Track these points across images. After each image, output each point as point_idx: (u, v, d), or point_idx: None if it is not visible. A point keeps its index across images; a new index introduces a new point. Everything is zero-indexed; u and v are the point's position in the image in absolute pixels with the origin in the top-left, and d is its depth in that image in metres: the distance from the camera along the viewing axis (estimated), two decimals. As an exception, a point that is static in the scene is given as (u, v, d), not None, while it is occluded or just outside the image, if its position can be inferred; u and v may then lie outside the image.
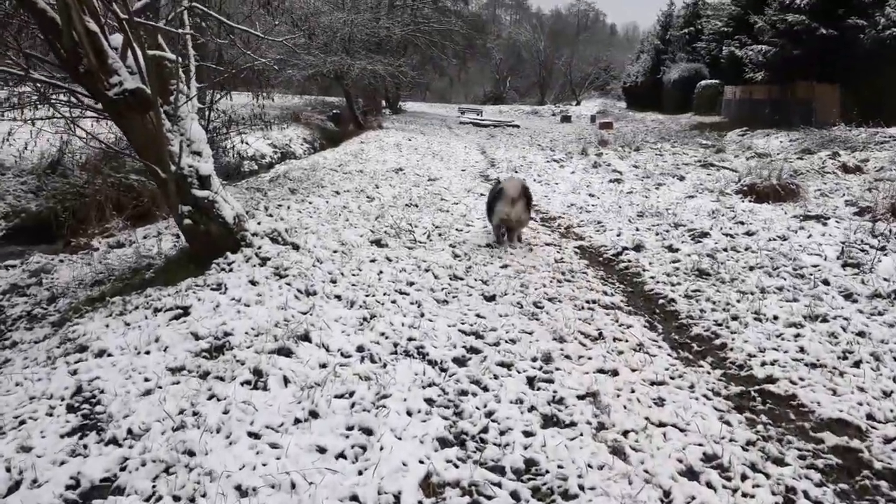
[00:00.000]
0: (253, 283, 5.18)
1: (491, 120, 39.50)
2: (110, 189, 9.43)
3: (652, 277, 6.84)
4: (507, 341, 4.61)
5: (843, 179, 13.92)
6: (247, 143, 18.83)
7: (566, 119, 45.41)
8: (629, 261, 7.53)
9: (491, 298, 5.64)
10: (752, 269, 7.02)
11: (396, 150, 19.15)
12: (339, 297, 5.13)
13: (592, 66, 66.25)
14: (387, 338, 4.44)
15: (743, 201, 11.27)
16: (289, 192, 10.27)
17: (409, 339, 4.40)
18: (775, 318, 5.55)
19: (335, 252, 6.50)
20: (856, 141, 18.87)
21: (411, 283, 5.77)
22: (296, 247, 6.16)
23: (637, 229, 9.03)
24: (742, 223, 9.44)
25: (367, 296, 5.26)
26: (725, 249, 7.83)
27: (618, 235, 8.68)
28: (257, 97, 10.95)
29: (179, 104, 5.61)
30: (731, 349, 5.00)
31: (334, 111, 32.33)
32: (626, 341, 4.89)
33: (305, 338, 4.23)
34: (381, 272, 5.98)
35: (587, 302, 5.69)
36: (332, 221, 8.31)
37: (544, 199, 11.68)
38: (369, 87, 29.61)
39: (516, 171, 15.54)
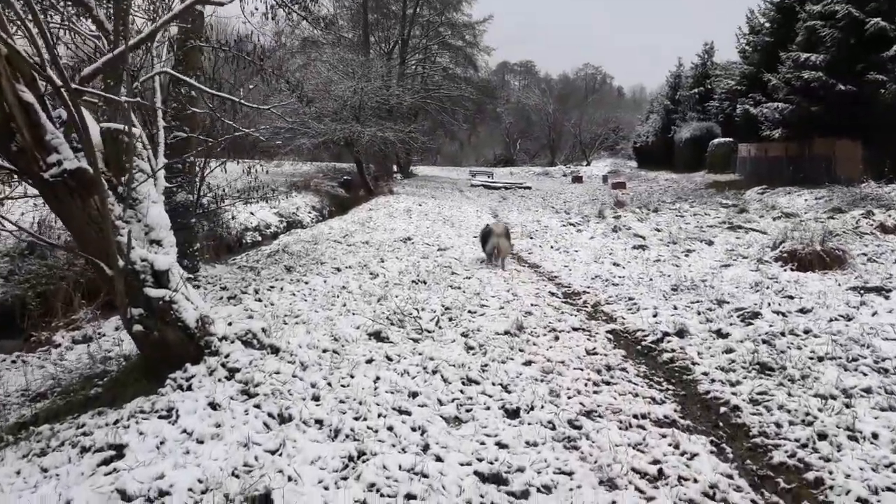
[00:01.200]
0: (213, 406, 4.05)
1: (502, 182, 38.85)
2: (90, 272, 8.44)
3: (705, 374, 5.63)
4: (539, 489, 3.41)
5: (885, 241, 12.73)
6: (251, 213, 18.09)
7: (577, 179, 44.72)
8: (673, 350, 6.33)
9: (514, 414, 4.45)
10: (821, 359, 5.80)
11: (406, 217, 18.23)
12: (320, 423, 3.97)
13: (601, 127, 66.15)
14: (378, 492, 3.24)
15: (785, 270, 10.10)
16: (284, 270, 9.24)
17: (408, 498, 3.20)
18: (875, 436, 4.31)
19: (325, 352, 5.37)
20: (888, 198, 17.72)
21: (414, 395, 4.60)
22: (275, 350, 5.05)
23: (675, 308, 7.85)
24: (791, 297, 8.24)
25: (356, 418, 4.09)
26: (783, 334, 6.62)
27: (654, 316, 7.50)
28: (250, 169, 10.02)
29: (134, 184, 4.61)
30: (831, 487, 3.76)
31: (345, 177, 31.77)
32: (696, 481, 3.66)
33: (266, 500, 3.05)
34: (377, 379, 4.82)
35: (635, 417, 4.48)
36: (328, 307, 7.21)
37: (564, 270, 10.55)
38: (380, 153, 29.07)
39: (531, 237, 14.51)
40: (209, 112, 8.96)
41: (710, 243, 13.32)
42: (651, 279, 9.54)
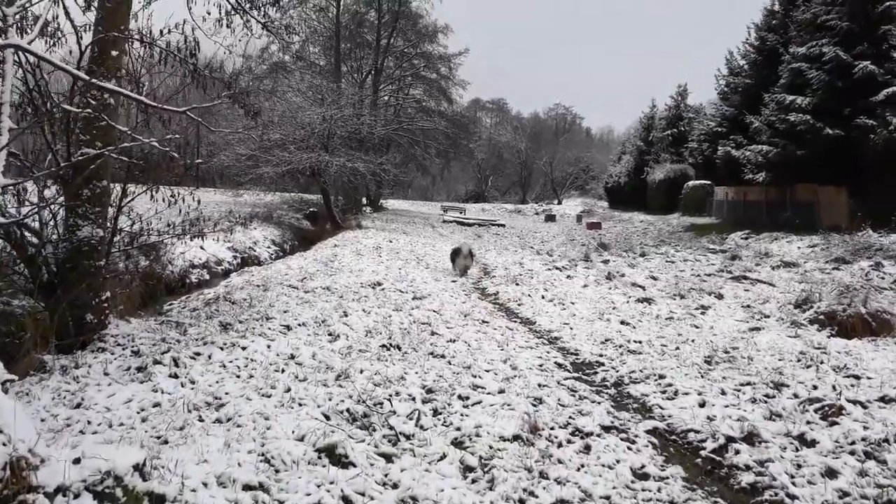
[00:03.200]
0: None
1: (475, 219, 37.20)
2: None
3: (818, 521, 3.74)
4: None
5: (914, 298, 11.19)
6: (201, 248, 15.87)
7: (551, 218, 43.36)
8: (748, 467, 4.45)
9: None
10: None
11: (375, 255, 16.23)
12: None
13: (573, 167, 65.41)
14: None
15: (828, 337, 8.37)
16: (219, 327, 7.14)
17: None
18: None
19: (245, 490, 3.33)
20: (892, 248, 16.36)
21: None
22: (158, 500, 2.99)
23: (723, 392, 5.98)
24: (857, 377, 6.48)
25: None
26: (887, 441, 4.80)
27: (702, 406, 5.62)
28: (174, 200, 7.88)
29: None
30: None
31: (311, 209, 29.65)
32: None
33: None
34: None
35: None
36: (266, 391, 5.17)
37: (565, 330, 8.65)
38: (349, 185, 27.12)
39: (517, 283, 12.63)
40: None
41: (720, 297, 11.62)
42: (676, 347, 7.67)
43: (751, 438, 4.90)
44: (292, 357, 6.15)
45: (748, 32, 30.63)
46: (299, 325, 7.42)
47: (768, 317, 9.88)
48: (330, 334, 7.13)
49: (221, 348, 6.35)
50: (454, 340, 7.38)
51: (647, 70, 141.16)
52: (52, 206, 6.91)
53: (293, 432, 4.19)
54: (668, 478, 4.26)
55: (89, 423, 4.45)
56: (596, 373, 6.75)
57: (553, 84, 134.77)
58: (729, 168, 28.85)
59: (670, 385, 6.23)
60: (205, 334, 6.82)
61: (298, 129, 24.35)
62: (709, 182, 35.10)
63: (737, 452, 4.69)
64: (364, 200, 39.20)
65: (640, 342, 7.98)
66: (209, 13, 10.03)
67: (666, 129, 43.75)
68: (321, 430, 4.23)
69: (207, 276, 14.42)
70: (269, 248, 19.04)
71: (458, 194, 71.41)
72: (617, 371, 6.76)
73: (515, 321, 9.23)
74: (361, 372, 5.84)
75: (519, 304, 10.53)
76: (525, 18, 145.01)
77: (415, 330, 7.73)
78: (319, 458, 3.90)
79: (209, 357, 6.08)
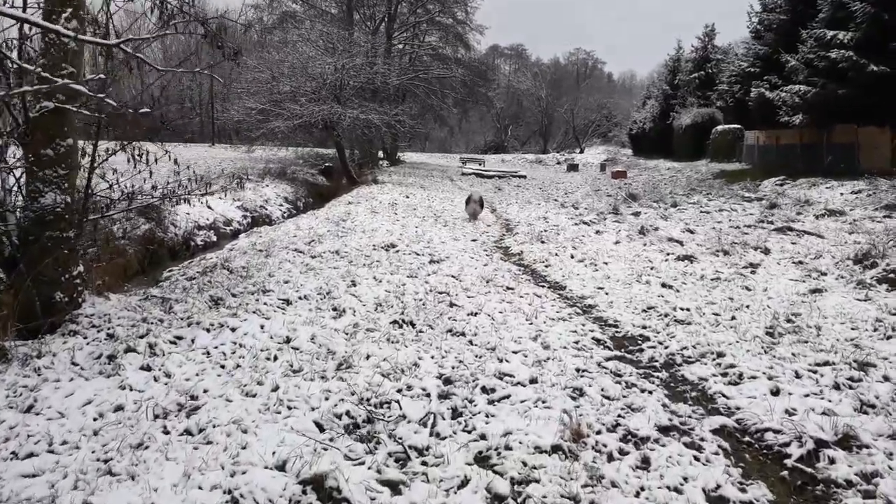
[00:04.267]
0: None
1: (495, 170, 35.84)
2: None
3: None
4: None
5: None
6: (208, 207, 15.00)
7: (573, 168, 41.81)
8: (851, 484, 3.48)
9: None
10: None
11: (391, 212, 15.24)
12: None
13: (595, 114, 63.14)
14: None
15: (902, 297, 7.29)
16: (209, 302, 6.25)
17: None
18: None
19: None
20: (952, 194, 14.98)
21: None
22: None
23: (797, 375, 4.98)
24: (952, 351, 5.43)
25: None
26: None
27: (775, 394, 4.63)
28: (140, 158, 6.77)
29: None
30: None
31: (327, 164, 28.56)
32: None
33: None
34: None
35: None
36: (250, 386, 4.29)
37: (601, 295, 7.64)
38: (364, 138, 25.93)
39: (543, 241, 11.60)
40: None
41: (767, 252, 10.49)
42: (731, 316, 6.63)
43: (846, 441, 3.91)
44: (288, 340, 5.24)
45: (784, -36, 28.32)
46: (300, 298, 6.50)
47: (825, 274, 8.77)
48: (335, 309, 6.20)
49: (208, 330, 5.47)
50: (476, 313, 6.42)
51: (671, 11, 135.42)
52: (15, 171, 5.99)
53: (273, 454, 3.29)
54: (752, 503, 3.31)
55: (29, 437, 3.60)
56: (641, 350, 5.76)
57: (573, 26, 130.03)
58: (762, 111, 27.04)
59: (732, 366, 5.23)
60: (192, 312, 5.94)
61: (309, 80, 23.10)
62: (739, 126, 33.28)
63: (832, 461, 3.72)
64: (381, 154, 37.99)
65: (687, 309, 6.95)
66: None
67: (693, 72, 41.59)
68: (310, 450, 3.32)
69: (215, 238, 13.57)
70: (281, 206, 18.12)
71: (478, 145, 69.65)
72: (666, 347, 5.77)
73: (543, 286, 8.23)
74: (368, 358, 4.92)
75: (546, 266, 9.51)
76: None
77: (431, 301, 6.78)
78: (304, 492, 2.99)
79: (192, 342, 5.20)
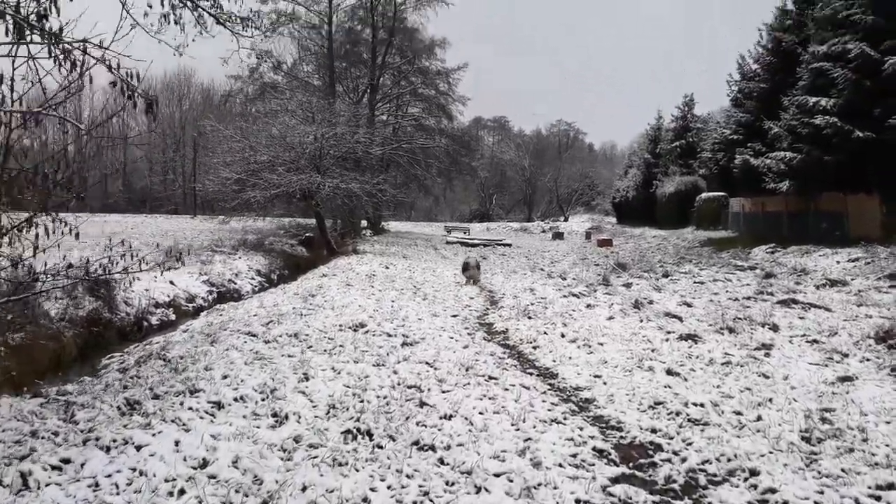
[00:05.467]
0: None
1: (480, 239, 35.09)
2: None
3: None
4: None
5: None
6: (171, 282, 13.84)
7: (558, 236, 41.23)
8: None
9: None
10: None
11: (367, 285, 14.13)
12: None
13: (578, 183, 63.36)
14: None
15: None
16: (123, 408, 5.05)
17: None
18: None
19: None
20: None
21: None
22: None
23: (859, 505, 3.85)
24: None
25: None
26: None
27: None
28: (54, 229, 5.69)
29: None
30: None
31: (308, 234, 27.59)
32: None
33: None
34: None
35: None
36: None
37: (598, 386, 6.49)
38: (345, 207, 25.09)
39: (529, 316, 10.51)
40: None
41: (776, 329, 9.45)
42: (757, 416, 5.50)
43: None
44: (204, 464, 4.04)
45: (759, 35, 28.73)
46: (236, 399, 5.30)
47: (847, 356, 7.73)
48: (275, 415, 5.01)
49: (108, 448, 4.26)
50: (451, 416, 5.24)
51: (648, 85, 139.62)
52: None
53: None
54: None
55: None
56: (654, 464, 4.60)
57: (554, 101, 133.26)
58: (747, 177, 26.71)
59: (772, 490, 4.09)
60: (97, 422, 4.73)
61: (288, 149, 22.41)
62: (723, 193, 33.00)
63: None
64: (364, 223, 37.21)
65: (701, 405, 5.82)
66: (150, 6, 8.05)
67: (674, 141, 41.80)
68: None
69: (173, 317, 12.33)
70: (252, 279, 16.96)
71: (462, 214, 69.42)
72: (684, 460, 4.62)
73: (531, 374, 7.09)
74: (304, 491, 3.73)
75: (534, 347, 8.38)
76: (521, 33, 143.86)
77: (397, 399, 5.60)
78: None
79: (81, 467, 3.99)
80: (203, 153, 34.87)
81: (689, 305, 11.71)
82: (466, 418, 5.19)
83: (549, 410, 5.64)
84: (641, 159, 45.30)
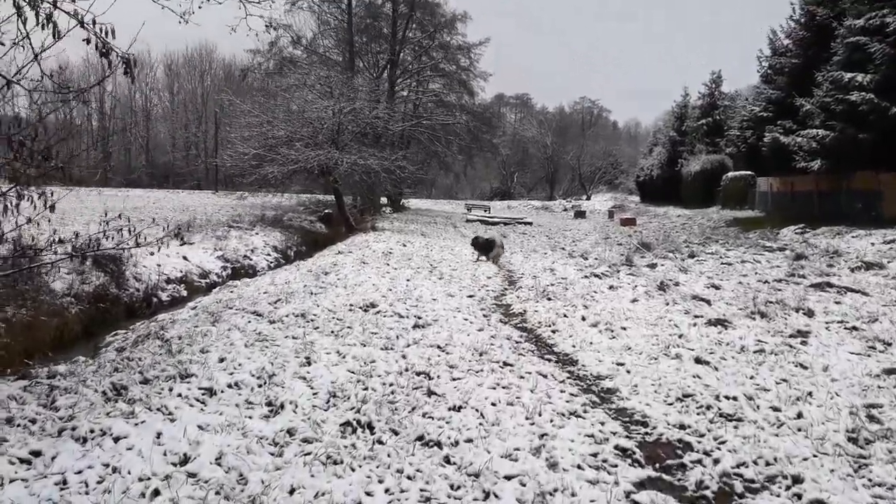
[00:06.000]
0: None
1: (500, 217, 34.48)
2: None
3: None
4: None
5: None
6: (184, 258, 13.57)
7: (580, 215, 40.43)
8: None
9: None
10: None
11: (382, 263, 13.72)
12: None
13: (601, 161, 62.15)
14: None
15: None
16: (109, 392, 4.69)
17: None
18: None
19: None
20: None
21: None
22: None
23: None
24: None
25: None
26: None
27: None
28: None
29: None
30: None
31: (326, 211, 27.27)
32: None
33: None
34: None
35: None
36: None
37: (621, 375, 6.00)
38: (363, 184, 24.65)
39: (549, 297, 10.01)
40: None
41: (810, 314, 8.85)
42: (798, 413, 4.98)
43: None
44: (185, 460, 3.64)
45: (792, 9, 27.43)
46: (230, 385, 4.91)
47: (890, 344, 7.14)
48: (270, 403, 4.61)
49: (84, 439, 3.89)
50: (460, 407, 4.80)
51: (675, 62, 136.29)
52: None
53: None
54: None
55: None
56: (684, 466, 4.12)
57: (578, 76, 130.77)
58: (777, 156, 25.68)
59: (819, 502, 3.58)
60: (78, 409, 4.37)
61: (306, 125, 21.98)
62: (750, 173, 31.93)
63: None
64: (384, 200, 36.79)
65: (734, 398, 5.31)
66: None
67: (700, 119, 40.55)
68: None
69: (185, 293, 12.07)
70: (268, 255, 16.66)
71: (483, 192, 68.67)
72: (717, 462, 4.13)
73: (550, 360, 6.61)
74: (291, 494, 3.31)
75: (553, 331, 7.90)
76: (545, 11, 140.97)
77: (404, 387, 5.18)
78: None
79: (51, 460, 3.62)
80: (224, 128, 34.54)
81: (716, 288, 11.11)
82: (477, 410, 4.74)
83: (568, 402, 5.17)
84: (667, 137, 44.08)
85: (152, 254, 12.90)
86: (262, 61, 32.51)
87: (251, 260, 15.62)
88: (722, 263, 14.89)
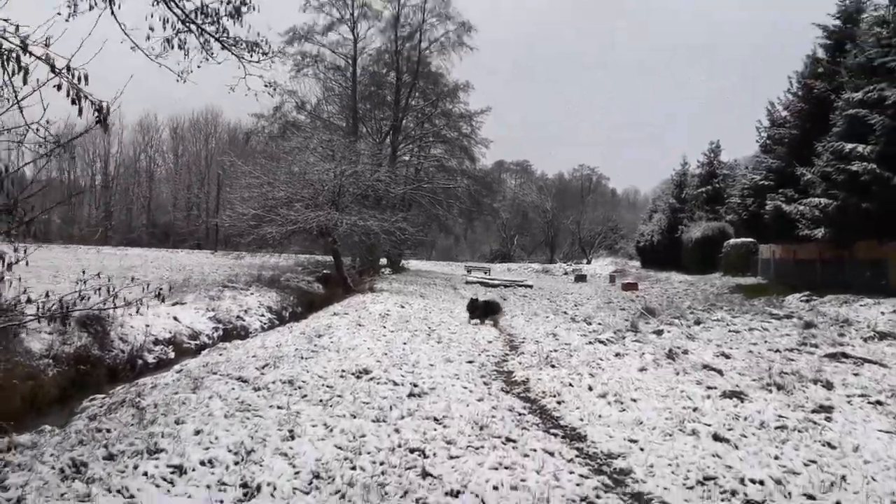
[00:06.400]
0: None
1: (501, 279, 34.08)
2: None
3: None
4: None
5: None
6: (174, 318, 13.11)
7: (581, 278, 40.08)
8: None
9: None
10: None
11: (378, 325, 13.24)
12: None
13: (601, 226, 62.32)
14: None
15: None
16: (66, 470, 4.18)
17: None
18: None
19: None
20: None
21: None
22: None
23: None
24: None
25: None
26: None
27: None
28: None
29: None
30: None
31: (325, 271, 26.92)
32: None
33: None
34: None
35: None
36: None
37: (634, 454, 5.48)
38: (362, 245, 24.41)
39: (553, 366, 9.49)
40: None
41: (829, 386, 8.34)
42: (835, 502, 4.45)
43: None
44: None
45: (790, 82, 27.98)
46: (203, 463, 4.40)
47: (919, 422, 6.62)
48: (245, 485, 4.10)
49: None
50: (458, 492, 4.28)
51: (673, 133, 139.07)
52: None
53: None
54: None
55: None
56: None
57: (576, 145, 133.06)
58: (779, 224, 25.54)
59: None
60: (28, 490, 3.85)
61: (307, 186, 21.91)
62: (752, 240, 31.79)
63: None
64: (384, 261, 36.50)
65: (761, 483, 4.78)
66: (152, 29, 7.43)
67: (700, 187, 40.83)
68: None
69: (173, 354, 11.55)
70: (262, 316, 16.18)
71: (483, 254, 68.58)
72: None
73: (556, 435, 6.09)
74: None
75: (558, 402, 7.38)
76: (546, 85, 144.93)
77: (396, 467, 4.66)
78: None
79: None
80: (225, 189, 34.68)
81: (727, 356, 10.61)
82: (477, 496, 4.22)
83: (579, 485, 4.64)
84: (666, 204, 44.28)
85: (140, 313, 12.54)
86: (265, 125, 32.99)
87: (244, 321, 15.14)
88: (729, 331, 14.41)
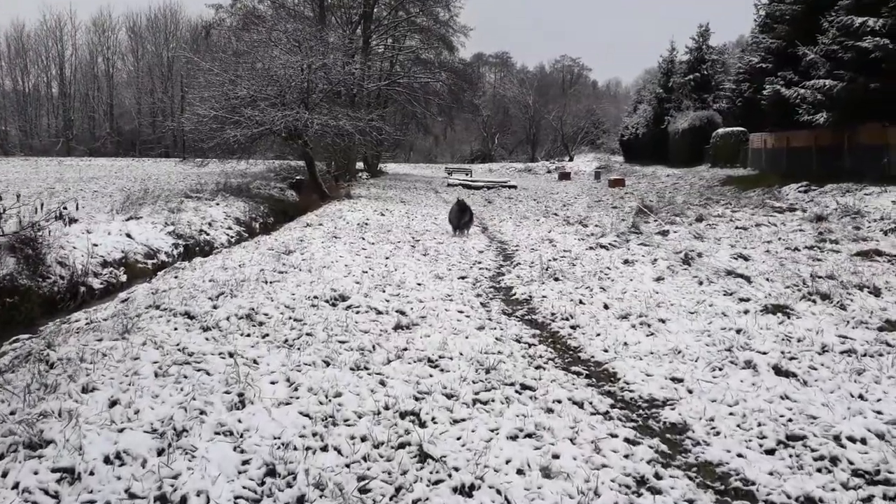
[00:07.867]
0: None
1: (483, 181, 32.52)
2: None
3: None
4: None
5: None
6: (127, 235, 11.56)
7: (565, 176, 38.63)
8: None
9: None
10: None
11: (357, 236, 11.84)
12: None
13: (584, 121, 60.08)
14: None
15: None
16: None
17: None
18: None
19: None
20: None
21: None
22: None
23: None
24: None
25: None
26: None
27: None
28: None
29: None
30: None
31: (298, 177, 25.11)
32: None
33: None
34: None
35: None
36: None
37: (686, 402, 4.30)
38: (337, 147, 22.53)
39: (556, 279, 8.24)
40: None
41: (877, 293, 7.20)
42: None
43: None
44: None
45: (793, -49, 25.37)
46: (106, 460, 3.05)
47: None
48: (163, 498, 2.78)
49: None
50: (471, 487, 3.03)
51: (656, 17, 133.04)
52: None
53: None
54: None
55: None
56: None
57: (555, 34, 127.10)
58: (776, 110, 23.98)
59: None
60: None
61: (273, 83, 19.71)
62: (742, 129, 30.26)
63: None
64: (361, 165, 34.57)
65: (862, 443, 3.61)
66: None
67: (688, 74, 38.66)
68: None
69: (125, 277, 10.12)
70: (229, 229, 14.65)
71: (464, 155, 66.34)
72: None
73: (579, 374, 4.87)
74: None
75: (572, 327, 6.15)
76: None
77: (382, 444, 3.38)
78: None
79: None
80: (186, 92, 31.92)
81: (745, 259, 9.43)
82: (499, 492, 2.98)
83: (628, 457, 3.43)
84: (652, 94, 42.19)
85: (89, 232, 10.99)
86: (225, 17, 29.83)
87: (208, 235, 13.62)
88: (736, 227, 13.25)
